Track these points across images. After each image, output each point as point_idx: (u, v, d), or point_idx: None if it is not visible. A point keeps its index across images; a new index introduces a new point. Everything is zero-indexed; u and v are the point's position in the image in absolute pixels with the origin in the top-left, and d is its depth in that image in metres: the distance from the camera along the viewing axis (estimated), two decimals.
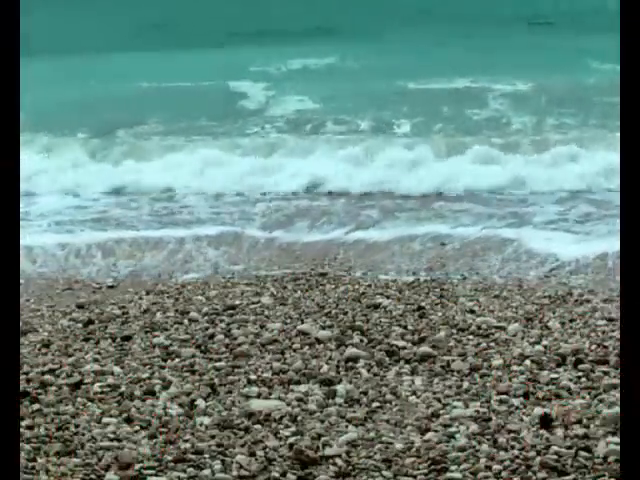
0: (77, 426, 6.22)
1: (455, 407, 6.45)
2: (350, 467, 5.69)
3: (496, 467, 5.63)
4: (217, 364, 7.26)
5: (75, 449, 5.91)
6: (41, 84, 18.40)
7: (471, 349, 7.51)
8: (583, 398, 6.54)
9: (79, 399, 6.67)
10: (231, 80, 21.16)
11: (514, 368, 7.10)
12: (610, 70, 18.78)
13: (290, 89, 20.11)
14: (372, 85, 19.94)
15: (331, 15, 28.41)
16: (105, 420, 6.31)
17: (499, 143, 15.55)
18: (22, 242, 10.39)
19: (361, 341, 7.67)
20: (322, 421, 6.27)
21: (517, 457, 5.72)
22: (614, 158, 12.65)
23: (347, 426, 6.21)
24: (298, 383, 6.91)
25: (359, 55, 23.23)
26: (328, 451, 5.83)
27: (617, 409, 6.14)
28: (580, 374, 6.95)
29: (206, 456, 5.81)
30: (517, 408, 6.43)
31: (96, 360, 7.40)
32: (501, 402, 6.52)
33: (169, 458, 5.77)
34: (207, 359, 7.39)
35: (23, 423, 6.20)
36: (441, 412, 6.38)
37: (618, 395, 6.41)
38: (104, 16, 29.28)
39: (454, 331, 7.91)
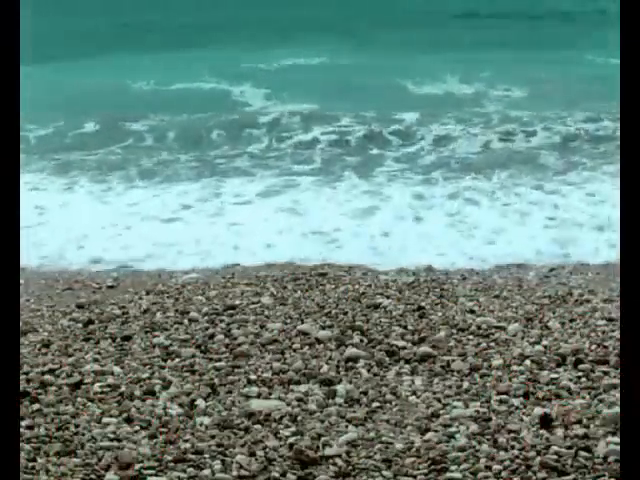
0: (77, 426, 6.22)
1: (455, 407, 6.46)
2: (350, 467, 5.69)
3: (496, 467, 5.63)
4: (217, 364, 7.26)
5: (75, 449, 5.91)
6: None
7: (471, 349, 7.51)
8: (583, 398, 6.54)
9: (79, 399, 6.67)
10: (227, 81, 21.13)
11: (514, 368, 7.10)
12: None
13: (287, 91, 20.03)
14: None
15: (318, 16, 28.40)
16: (105, 420, 6.31)
17: None
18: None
19: (361, 341, 7.67)
20: (322, 421, 6.28)
21: (517, 457, 5.72)
22: None
23: (347, 426, 6.21)
24: (298, 383, 6.91)
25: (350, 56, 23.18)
26: (328, 451, 5.84)
27: (617, 409, 6.14)
28: (580, 374, 6.95)
29: (206, 456, 5.81)
30: (517, 408, 6.44)
31: (96, 360, 7.40)
32: (501, 402, 6.52)
33: (169, 458, 5.78)
34: (207, 359, 7.39)
35: (23, 423, 6.20)
36: (441, 412, 6.39)
37: (618, 395, 6.42)
38: (83, 17, 29.13)
39: (454, 331, 7.91)
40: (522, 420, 6.24)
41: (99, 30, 27.59)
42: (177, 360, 7.38)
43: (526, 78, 20.32)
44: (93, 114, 18.09)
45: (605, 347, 7.45)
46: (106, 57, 23.59)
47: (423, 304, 8.67)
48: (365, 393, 6.73)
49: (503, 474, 5.59)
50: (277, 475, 5.63)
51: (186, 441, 6.00)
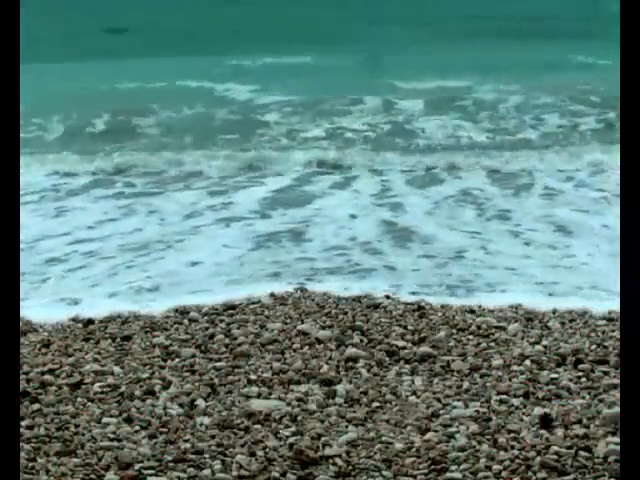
0: (77, 426, 6.23)
1: (455, 407, 6.46)
2: (350, 467, 5.70)
3: (496, 467, 5.64)
4: (217, 364, 7.26)
5: (75, 449, 5.92)
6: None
7: (471, 349, 7.51)
8: (583, 398, 6.55)
9: (79, 399, 6.67)
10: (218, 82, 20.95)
11: (514, 368, 7.10)
12: None
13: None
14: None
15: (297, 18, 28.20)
16: (105, 420, 6.32)
17: None
18: None
19: (361, 341, 7.67)
20: (322, 421, 6.28)
21: (517, 457, 5.73)
22: None
23: (347, 426, 6.21)
24: (298, 383, 6.91)
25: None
26: (328, 451, 5.84)
27: (617, 409, 6.14)
28: (580, 374, 6.96)
29: (206, 456, 5.82)
30: (517, 408, 6.44)
31: (96, 360, 7.40)
32: (501, 402, 6.53)
33: (169, 458, 5.78)
34: (207, 359, 7.39)
35: (23, 423, 6.20)
36: (441, 412, 6.39)
37: (618, 395, 6.42)
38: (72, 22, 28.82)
39: (454, 331, 7.91)
40: (522, 420, 6.24)
41: (82, 36, 27.27)
42: (177, 360, 7.38)
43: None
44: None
45: (605, 347, 7.45)
46: (90, 62, 23.28)
47: (423, 304, 8.67)
48: (365, 393, 6.73)
49: (503, 474, 5.59)
50: (277, 475, 5.63)
51: (186, 441, 6.01)
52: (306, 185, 13.86)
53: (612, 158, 13.88)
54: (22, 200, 12.55)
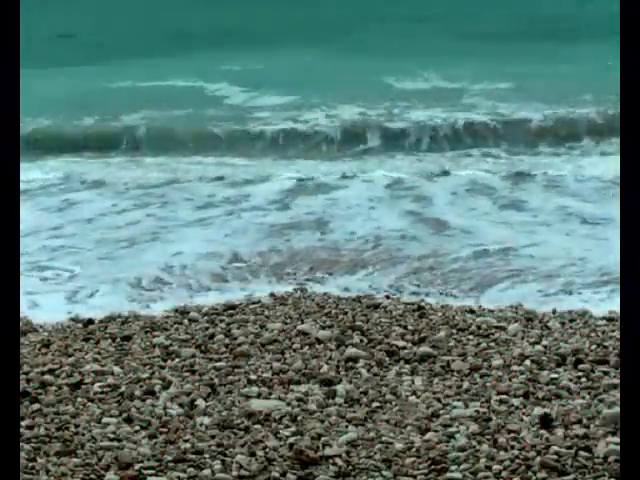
0: (77, 426, 6.23)
1: (455, 407, 6.46)
2: (350, 467, 5.70)
3: (496, 467, 5.64)
4: (217, 364, 7.26)
5: (75, 449, 5.92)
6: None
7: (471, 349, 7.51)
8: (583, 398, 6.55)
9: (79, 399, 6.67)
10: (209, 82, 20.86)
11: (514, 368, 7.10)
12: None
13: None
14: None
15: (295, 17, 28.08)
16: (105, 420, 6.32)
17: None
18: None
19: (361, 341, 7.67)
20: (322, 421, 6.28)
21: (517, 457, 5.73)
22: None
23: (347, 426, 6.21)
24: (298, 383, 6.91)
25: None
26: (328, 451, 5.84)
27: (617, 409, 6.14)
28: (580, 374, 6.96)
29: (206, 456, 5.82)
30: (517, 408, 6.44)
31: (96, 360, 7.40)
32: (501, 402, 6.53)
33: (169, 458, 5.79)
34: (207, 359, 7.39)
35: (23, 423, 6.20)
36: (441, 412, 6.39)
37: (618, 395, 6.42)
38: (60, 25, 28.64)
39: (454, 331, 7.91)
40: (522, 420, 6.24)
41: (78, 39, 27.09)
42: (177, 360, 7.38)
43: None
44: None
45: (605, 347, 7.45)
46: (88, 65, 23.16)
47: (423, 304, 8.67)
48: (365, 393, 6.73)
49: (503, 474, 5.60)
50: (277, 475, 5.64)
51: (186, 441, 6.01)
52: (315, 178, 14.00)
53: (611, 156, 14.01)
54: (27, 195, 12.70)
